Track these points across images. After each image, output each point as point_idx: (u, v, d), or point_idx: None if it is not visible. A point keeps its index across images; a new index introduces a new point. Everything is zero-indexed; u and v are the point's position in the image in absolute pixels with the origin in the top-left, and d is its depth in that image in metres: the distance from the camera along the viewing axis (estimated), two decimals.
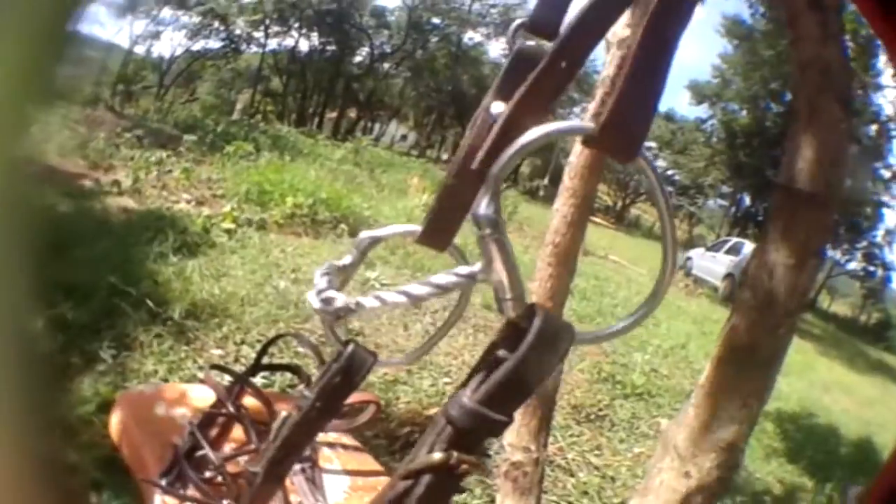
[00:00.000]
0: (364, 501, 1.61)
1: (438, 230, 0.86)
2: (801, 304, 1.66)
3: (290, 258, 5.97)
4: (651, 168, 0.66)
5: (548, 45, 0.71)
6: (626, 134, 0.62)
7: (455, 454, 0.61)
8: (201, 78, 26.16)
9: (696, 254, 19.51)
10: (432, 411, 3.81)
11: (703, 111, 28.46)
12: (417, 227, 0.88)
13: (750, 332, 1.55)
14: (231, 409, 1.66)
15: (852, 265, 21.35)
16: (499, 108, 0.74)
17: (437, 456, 0.61)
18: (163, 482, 1.41)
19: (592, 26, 0.68)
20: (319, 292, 0.84)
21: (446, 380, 4.36)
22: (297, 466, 1.59)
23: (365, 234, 0.92)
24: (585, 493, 3.76)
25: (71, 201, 5.97)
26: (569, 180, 1.93)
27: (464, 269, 0.73)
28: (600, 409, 4.80)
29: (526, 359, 0.60)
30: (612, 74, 1.99)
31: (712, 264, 18.16)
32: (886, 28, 0.72)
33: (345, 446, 1.80)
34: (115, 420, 1.70)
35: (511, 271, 0.64)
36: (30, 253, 0.53)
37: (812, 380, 9.27)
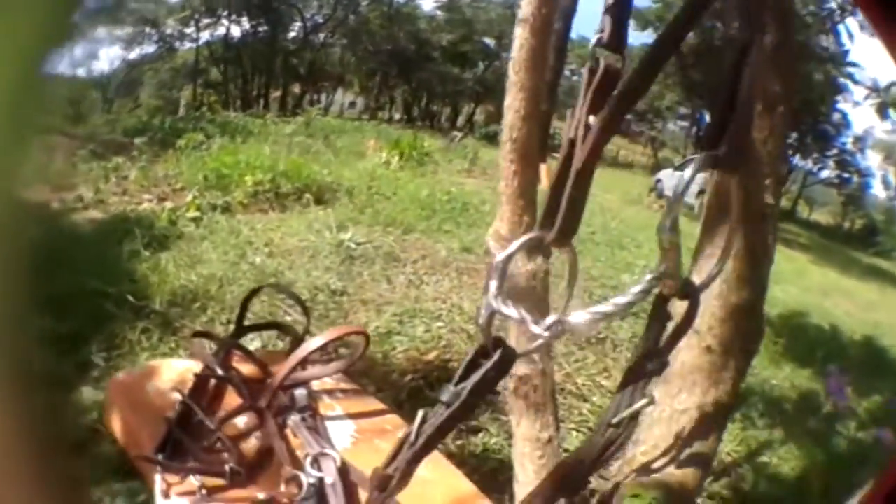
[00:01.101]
0: (373, 443, 1.55)
1: (567, 227, 1.02)
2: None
3: (262, 233, 5.88)
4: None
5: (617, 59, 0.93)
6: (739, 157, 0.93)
7: None
8: (143, 84, 25.77)
9: (666, 175, 19.22)
10: (431, 356, 3.79)
11: (647, 36, 28.25)
12: (540, 233, 1.02)
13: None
14: (220, 371, 1.60)
15: (825, 173, 21.36)
16: (592, 119, 0.95)
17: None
18: (159, 458, 1.34)
19: (667, 51, 0.97)
20: (537, 323, 0.93)
21: (439, 324, 4.34)
22: (297, 417, 1.53)
23: (498, 258, 0.99)
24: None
25: (41, 224, 5.84)
26: (514, 75, 1.83)
27: (653, 274, 0.95)
28: (599, 332, 4.77)
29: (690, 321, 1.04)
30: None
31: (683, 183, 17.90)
32: (887, 29, 0.79)
33: (344, 391, 1.75)
34: (108, 409, 1.64)
35: (677, 267, 0.93)
36: (27, 275, 0.59)
37: (807, 285, 9.15)
